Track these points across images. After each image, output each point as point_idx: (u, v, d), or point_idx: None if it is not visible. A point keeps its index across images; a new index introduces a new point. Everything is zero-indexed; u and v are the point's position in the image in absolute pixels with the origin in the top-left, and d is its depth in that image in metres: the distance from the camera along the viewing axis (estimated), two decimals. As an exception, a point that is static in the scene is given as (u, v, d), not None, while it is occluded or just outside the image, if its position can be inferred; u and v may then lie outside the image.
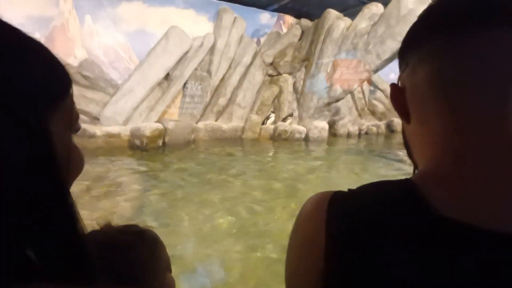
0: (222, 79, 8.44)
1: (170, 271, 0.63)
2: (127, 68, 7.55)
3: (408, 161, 0.46)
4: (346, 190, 0.38)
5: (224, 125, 8.16)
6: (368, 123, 10.56)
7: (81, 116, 6.38)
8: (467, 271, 0.27)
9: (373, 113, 11.43)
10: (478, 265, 0.27)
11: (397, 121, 10.82)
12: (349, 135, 9.28)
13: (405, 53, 0.40)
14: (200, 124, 7.84)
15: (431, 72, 0.35)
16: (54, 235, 0.30)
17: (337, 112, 9.32)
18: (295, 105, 9.06)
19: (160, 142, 6.54)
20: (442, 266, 0.28)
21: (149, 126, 6.45)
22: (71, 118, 0.36)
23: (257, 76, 8.85)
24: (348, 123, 9.42)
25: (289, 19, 10.20)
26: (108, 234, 0.58)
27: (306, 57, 8.97)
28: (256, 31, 9.70)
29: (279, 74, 9.02)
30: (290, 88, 9.00)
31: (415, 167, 0.42)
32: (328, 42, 8.36)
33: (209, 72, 8.14)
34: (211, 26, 8.46)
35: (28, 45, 0.32)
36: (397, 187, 0.34)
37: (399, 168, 5.71)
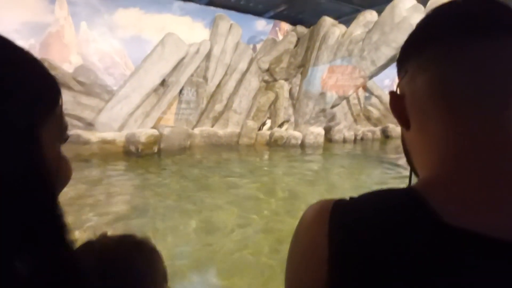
0: (218, 85, 8.46)
1: (166, 282, 0.62)
2: (123, 74, 7.57)
3: (405, 164, 0.46)
4: (347, 198, 0.37)
5: (220, 131, 8.16)
6: (364, 128, 10.64)
7: (76, 122, 6.33)
8: (472, 279, 0.27)
9: (368, 118, 11.53)
10: (483, 273, 0.27)
11: (392, 127, 10.92)
12: (344, 141, 9.35)
13: (404, 61, 0.40)
14: (196, 130, 7.83)
15: (431, 80, 0.35)
16: (41, 246, 0.30)
17: (332, 118, 9.38)
18: (291, 111, 9.09)
19: (155, 148, 6.50)
20: (447, 273, 0.28)
21: (144, 132, 6.42)
22: (60, 128, 0.37)
23: (253, 82, 8.89)
24: (344, 129, 9.49)
25: (285, 26, 10.34)
26: (105, 245, 0.57)
27: (301, 63, 9.05)
28: (252, 37, 9.82)
29: (275, 80, 9.07)
30: (286, 94, 9.05)
31: (416, 175, 0.42)
32: (324, 49, 8.45)
33: (205, 78, 8.16)
34: (208, 32, 8.53)
35: (18, 56, 0.32)
36: (400, 196, 0.34)
37: (397, 171, 5.80)
